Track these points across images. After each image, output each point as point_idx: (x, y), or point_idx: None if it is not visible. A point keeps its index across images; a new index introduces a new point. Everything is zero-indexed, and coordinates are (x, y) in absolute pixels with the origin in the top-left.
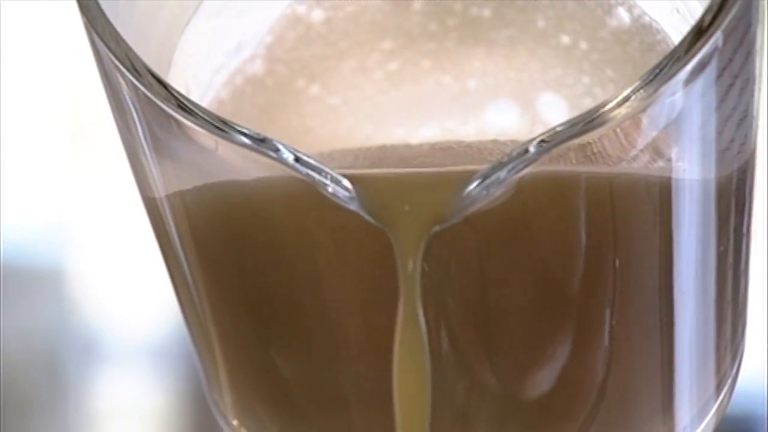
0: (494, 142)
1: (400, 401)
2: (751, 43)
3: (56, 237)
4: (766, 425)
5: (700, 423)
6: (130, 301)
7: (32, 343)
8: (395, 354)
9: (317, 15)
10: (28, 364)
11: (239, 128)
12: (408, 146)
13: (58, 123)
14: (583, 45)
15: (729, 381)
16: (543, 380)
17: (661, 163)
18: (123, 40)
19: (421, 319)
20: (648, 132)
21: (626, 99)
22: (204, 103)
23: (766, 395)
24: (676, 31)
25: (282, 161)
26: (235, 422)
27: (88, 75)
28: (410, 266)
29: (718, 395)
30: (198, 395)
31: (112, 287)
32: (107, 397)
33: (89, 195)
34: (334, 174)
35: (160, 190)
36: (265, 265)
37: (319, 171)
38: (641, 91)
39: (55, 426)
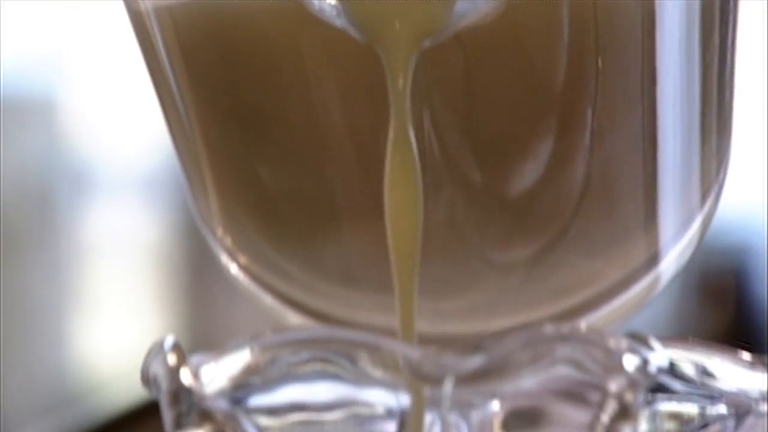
0: None
1: (392, 216)
2: None
3: (48, 67)
4: (765, 257)
5: (684, 233)
6: (122, 132)
7: (23, 174)
8: (387, 170)
9: None
10: (18, 196)
11: None
12: None
13: None
14: None
15: (714, 192)
16: (527, 186)
17: None
18: None
19: (412, 135)
20: None
21: None
22: None
23: (765, 227)
24: None
25: None
26: (220, 231)
27: None
28: (400, 83)
29: (703, 205)
30: (190, 227)
31: (105, 117)
32: (98, 229)
33: (82, 25)
34: None
35: (147, 4)
36: (255, 80)
37: None
38: None
39: (45, 258)
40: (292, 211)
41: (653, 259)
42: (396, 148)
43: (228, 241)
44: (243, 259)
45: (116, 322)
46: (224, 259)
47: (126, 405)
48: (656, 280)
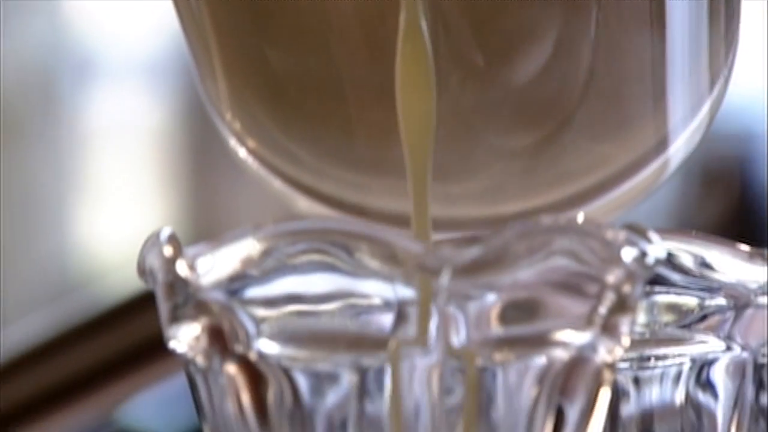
0: None
1: (405, 109)
2: None
3: None
4: (765, 143)
5: (693, 117)
6: (124, 17)
7: (26, 61)
8: (398, 61)
9: None
10: (22, 84)
11: None
12: None
13: None
14: None
15: (723, 76)
16: (535, 71)
17: None
18: None
19: (423, 23)
20: None
21: None
22: None
23: (765, 113)
24: None
25: None
26: (229, 115)
27: None
28: None
29: (712, 89)
30: (193, 111)
31: (108, 2)
32: (102, 115)
33: None
34: None
35: None
36: None
37: None
38: None
39: (47, 145)
40: (301, 95)
41: (662, 144)
42: (407, 37)
43: (237, 125)
44: (252, 143)
45: (119, 209)
46: (233, 143)
47: (128, 293)
48: (665, 165)
